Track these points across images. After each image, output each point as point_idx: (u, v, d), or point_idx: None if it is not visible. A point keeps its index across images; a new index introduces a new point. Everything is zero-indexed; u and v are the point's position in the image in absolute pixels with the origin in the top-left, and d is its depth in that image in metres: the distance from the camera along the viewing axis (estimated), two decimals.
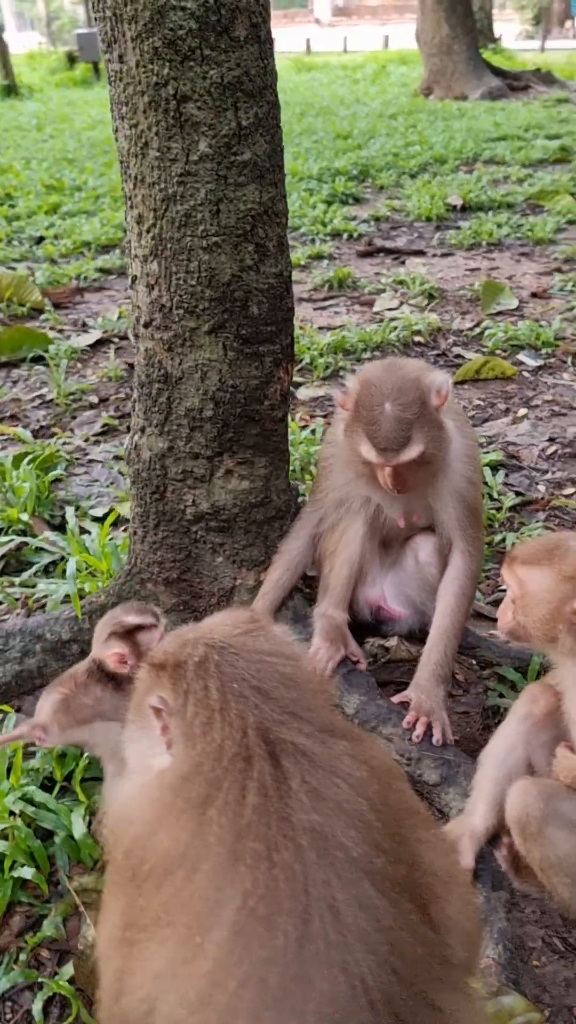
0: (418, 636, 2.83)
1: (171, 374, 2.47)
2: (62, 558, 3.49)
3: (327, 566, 2.66)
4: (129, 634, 2.31)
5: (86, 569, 3.26)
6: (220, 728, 1.34)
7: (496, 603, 3.22)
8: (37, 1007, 1.92)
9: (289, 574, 2.66)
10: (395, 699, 2.52)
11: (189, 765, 1.33)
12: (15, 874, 2.13)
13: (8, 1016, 1.94)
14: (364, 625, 2.81)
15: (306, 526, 2.67)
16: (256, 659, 1.43)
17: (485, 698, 2.74)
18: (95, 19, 2.17)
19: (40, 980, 1.98)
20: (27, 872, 2.12)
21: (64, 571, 3.42)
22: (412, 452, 2.26)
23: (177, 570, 2.79)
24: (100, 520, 3.76)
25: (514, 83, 19.22)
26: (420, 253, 7.75)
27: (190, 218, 2.23)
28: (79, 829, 2.20)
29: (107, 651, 2.32)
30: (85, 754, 2.37)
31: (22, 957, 2.04)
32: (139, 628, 2.31)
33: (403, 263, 7.52)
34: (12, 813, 2.26)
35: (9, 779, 2.31)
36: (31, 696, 2.80)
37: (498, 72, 19.30)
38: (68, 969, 1.98)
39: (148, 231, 2.30)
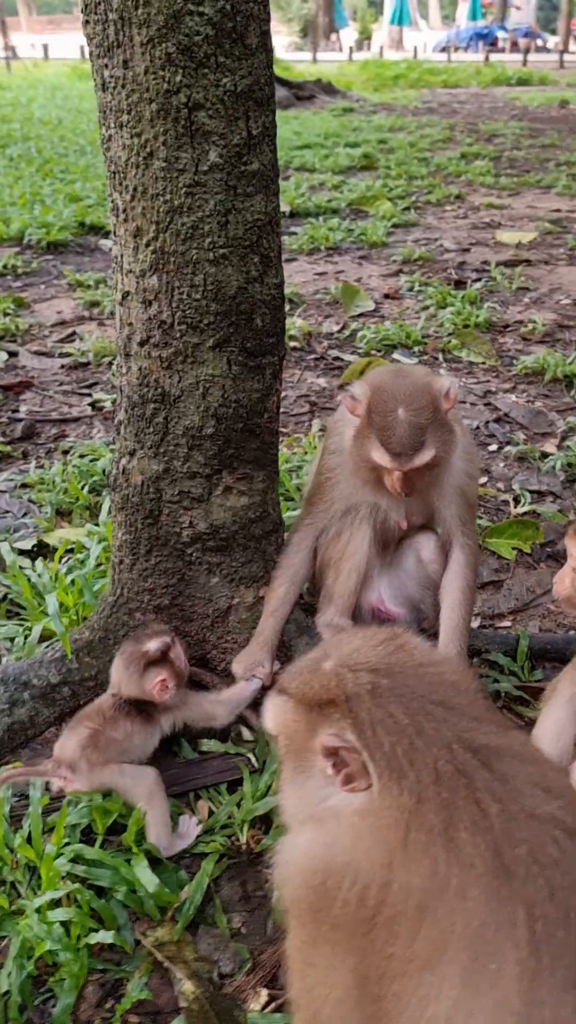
0: None
1: (169, 392, 2.37)
2: (4, 597, 3.25)
3: (331, 575, 2.65)
4: (163, 658, 2.32)
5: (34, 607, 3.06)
6: (425, 751, 1.30)
7: None
8: None
9: (294, 588, 2.63)
10: None
11: (408, 795, 1.28)
12: (90, 940, 1.97)
13: None
14: None
15: (307, 537, 2.65)
16: (422, 674, 1.41)
17: (482, 684, 2.84)
18: (87, 22, 2.04)
19: None
20: (107, 936, 1.97)
21: (7, 611, 3.19)
22: (425, 456, 2.30)
23: (169, 596, 2.68)
24: (29, 554, 3.53)
25: (299, 93, 19.87)
26: None
27: (197, 230, 2.15)
28: (150, 881, 2.07)
29: (150, 683, 2.32)
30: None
31: None
32: (168, 649, 2.35)
33: None
34: (63, 876, 2.08)
35: (51, 839, 2.13)
36: (26, 748, 2.60)
37: (282, 82, 19.83)
38: None
39: (147, 245, 2.19)
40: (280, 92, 18.97)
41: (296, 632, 2.72)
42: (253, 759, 2.45)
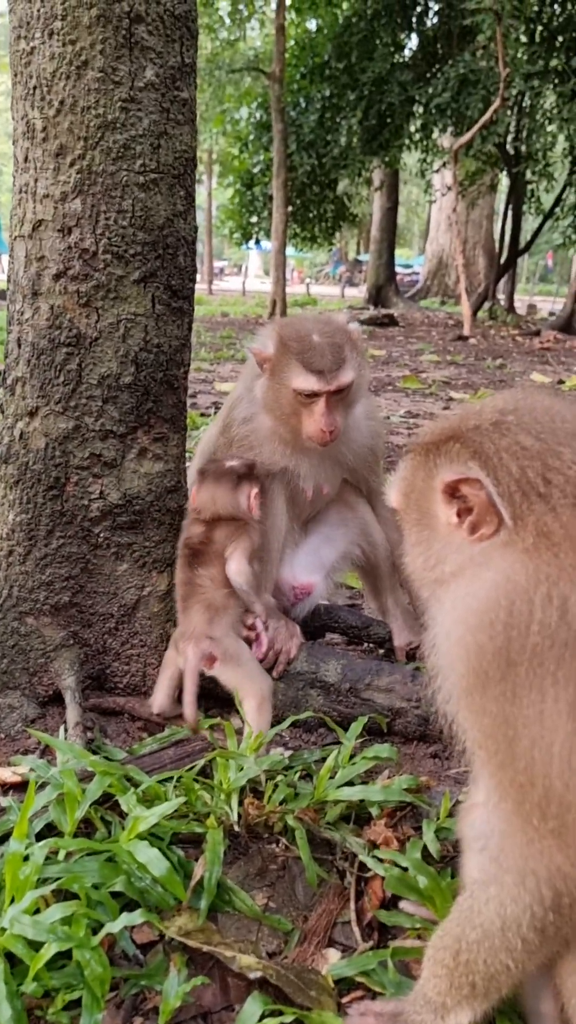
0: (320, 620, 2.72)
1: (84, 334, 2.15)
2: None
3: None
4: (249, 473, 2.29)
5: None
6: (565, 469, 1.22)
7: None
8: None
9: None
10: (399, 647, 2.55)
11: (560, 510, 1.19)
12: (111, 929, 1.47)
13: None
14: None
15: None
16: (553, 412, 1.31)
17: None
18: None
19: None
20: (132, 918, 1.48)
21: None
22: (347, 375, 2.28)
23: (69, 591, 2.30)
24: None
25: None
26: None
27: (128, 149, 2.07)
28: (160, 868, 1.61)
29: (244, 496, 2.27)
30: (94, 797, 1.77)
31: None
32: (253, 465, 2.34)
33: None
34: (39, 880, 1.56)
35: (14, 837, 1.61)
36: None
37: None
38: (253, 1009, 1.42)
39: (72, 164, 2.05)
40: None
41: None
42: (211, 736, 2.09)
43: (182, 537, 2.31)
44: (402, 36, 19.90)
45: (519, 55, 17.47)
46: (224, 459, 2.33)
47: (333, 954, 1.58)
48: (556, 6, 17.74)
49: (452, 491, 1.26)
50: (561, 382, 10.30)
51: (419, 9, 19.52)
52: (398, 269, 32.38)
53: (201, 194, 33.68)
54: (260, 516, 2.30)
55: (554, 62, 17.82)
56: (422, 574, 1.35)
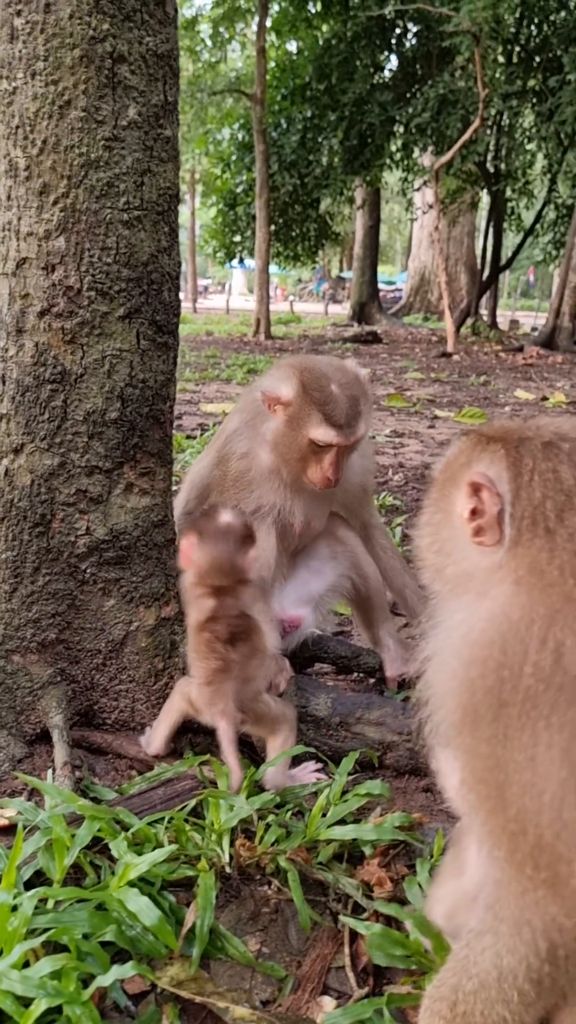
0: (309, 651, 2.71)
1: (70, 371, 2.15)
2: None
3: None
4: (246, 529, 2.11)
5: None
6: None
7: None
8: None
9: None
10: (391, 678, 2.55)
11: (549, 562, 1.19)
12: (102, 983, 1.45)
13: None
14: None
15: None
16: None
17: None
18: None
19: None
20: (124, 971, 1.45)
21: None
22: (362, 429, 2.32)
23: (56, 628, 2.28)
24: None
25: None
26: None
27: (112, 187, 2.07)
28: (151, 917, 1.59)
29: (245, 557, 2.08)
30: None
31: None
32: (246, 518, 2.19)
33: None
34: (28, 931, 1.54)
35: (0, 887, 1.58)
36: None
37: None
38: None
39: (55, 203, 2.05)
40: None
41: None
42: (200, 774, 2.07)
43: (196, 614, 2.09)
44: (382, 57, 20.15)
45: (497, 75, 17.70)
46: (216, 512, 2.13)
47: (328, 1002, 1.56)
48: (533, 27, 18.02)
49: (475, 489, 1.26)
50: (545, 398, 10.36)
51: (398, 31, 19.77)
52: (381, 286, 32.60)
53: (184, 214, 33.87)
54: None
55: (531, 82, 18.09)
56: (426, 553, 1.37)
